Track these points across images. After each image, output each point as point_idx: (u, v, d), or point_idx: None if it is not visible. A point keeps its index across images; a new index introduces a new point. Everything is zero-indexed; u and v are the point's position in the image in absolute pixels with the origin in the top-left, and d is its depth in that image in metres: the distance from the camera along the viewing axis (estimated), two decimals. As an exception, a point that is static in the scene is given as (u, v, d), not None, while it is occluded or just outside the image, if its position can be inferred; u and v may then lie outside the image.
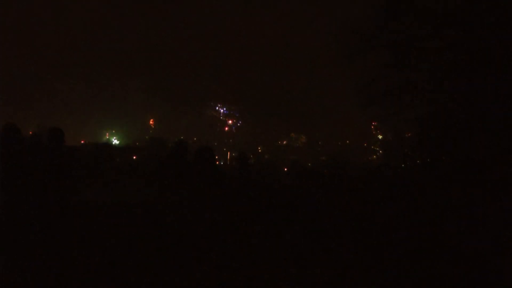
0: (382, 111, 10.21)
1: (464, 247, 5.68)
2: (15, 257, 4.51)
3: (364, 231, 6.70)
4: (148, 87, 48.68)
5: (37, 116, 42.19)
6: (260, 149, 49.73)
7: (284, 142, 52.98)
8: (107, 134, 51.17)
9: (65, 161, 5.22)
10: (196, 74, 46.71)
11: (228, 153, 44.95)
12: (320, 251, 5.79)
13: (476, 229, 6.18)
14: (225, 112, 48.71)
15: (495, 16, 8.06)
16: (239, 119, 48.98)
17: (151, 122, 48.79)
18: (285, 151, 48.94)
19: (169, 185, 4.68)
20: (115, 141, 48.31)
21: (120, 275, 4.71)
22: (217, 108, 48.48)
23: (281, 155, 45.98)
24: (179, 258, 4.48)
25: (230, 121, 49.33)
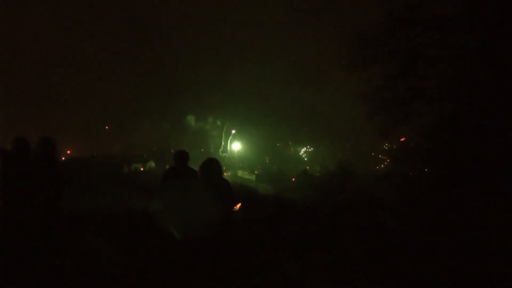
0: (390, 119, 10.19)
1: (470, 253, 5.65)
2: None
3: (370, 238, 6.67)
4: (154, 102, 49.13)
5: (49, 129, 42.76)
6: (267, 159, 49.71)
7: (292, 151, 52.93)
8: (117, 146, 51.69)
9: (57, 171, 5.25)
10: (201, 88, 47.03)
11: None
12: (325, 257, 5.79)
13: (481, 236, 6.14)
14: (229, 124, 48.83)
15: (501, 24, 8.06)
16: (246, 130, 49.04)
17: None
18: (293, 161, 48.88)
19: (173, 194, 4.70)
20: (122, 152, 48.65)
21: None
22: (221, 121, 48.62)
23: (289, 164, 45.92)
24: (184, 264, 4.49)
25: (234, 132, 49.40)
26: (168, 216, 4.14)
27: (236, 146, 49.04)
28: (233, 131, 48.66)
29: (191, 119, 48.41)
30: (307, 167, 45.63)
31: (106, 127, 50.89)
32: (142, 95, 48.88)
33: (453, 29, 9.08)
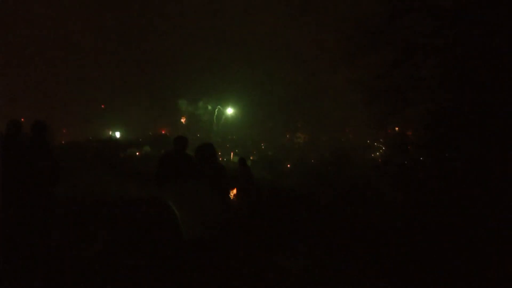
0: (386, 108, 10.18)
1: (465, 245, 5.67)
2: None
3: (365, 228, 6.71)
4: (150, 87, 48.76)
5: (42, 114, 42.44)
6: (263, 146, 49.69)
7: (287, 137, 52.91)
8: (111, 131, 51.56)
9: (50, 154, 5.22)
10: (198, 74, 46.63)
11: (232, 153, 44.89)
12: (319, 248, 5.81)
13: (477, 227, 6.16)
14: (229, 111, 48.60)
15: (499, 14, 8.02)
16: (242, 116, 48.89)
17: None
18: (289, 148, 48.87)
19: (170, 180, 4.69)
20: (118, 136, 48.50)
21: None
22: (213, 106, 48.38)
23: (284, 152, 45.88)
24: (183, 254, 4.48)
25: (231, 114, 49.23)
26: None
27: (230, 132, 48.93)
28: (227, 112, 48.49)
29: (182, 103, 48.11)
30: (302, 154, 45.62)
31: (102, 106, 50.68)
32: (134, 78, 48.41)
33: (451, 18, 9.02)
